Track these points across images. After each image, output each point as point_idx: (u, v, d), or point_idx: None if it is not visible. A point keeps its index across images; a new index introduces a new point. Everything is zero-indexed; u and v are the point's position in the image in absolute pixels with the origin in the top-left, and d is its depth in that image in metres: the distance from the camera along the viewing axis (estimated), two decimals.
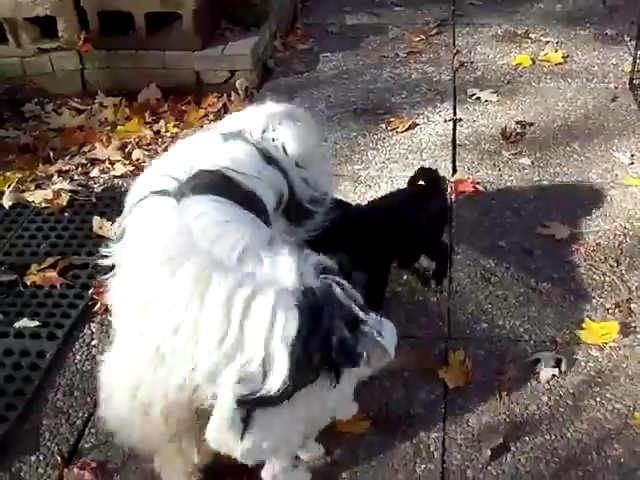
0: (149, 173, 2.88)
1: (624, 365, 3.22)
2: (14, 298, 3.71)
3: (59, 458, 2.92)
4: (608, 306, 3.50)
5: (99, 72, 5.64)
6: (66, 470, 2.87)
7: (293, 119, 3.11)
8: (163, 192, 2.58)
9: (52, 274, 3.82)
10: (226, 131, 3.00)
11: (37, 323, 3.54)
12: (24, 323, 3.54)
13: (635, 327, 3.40)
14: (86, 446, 2.98)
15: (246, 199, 2.65)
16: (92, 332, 3.51)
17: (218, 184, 2.62)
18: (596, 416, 3.01)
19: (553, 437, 2.92)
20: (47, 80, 5.65)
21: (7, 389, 3.22)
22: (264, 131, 3.02)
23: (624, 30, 6.01)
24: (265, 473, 2.57)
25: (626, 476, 2.77)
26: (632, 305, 3.51)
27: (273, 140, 3.02)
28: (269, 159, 2.92)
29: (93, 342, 3.46)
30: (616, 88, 5.37)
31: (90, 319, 3.58)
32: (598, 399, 3.08)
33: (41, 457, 2.95)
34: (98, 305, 3.63)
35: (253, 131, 3.01)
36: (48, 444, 2.99)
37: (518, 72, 5.65)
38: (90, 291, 3.72)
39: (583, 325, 3.40)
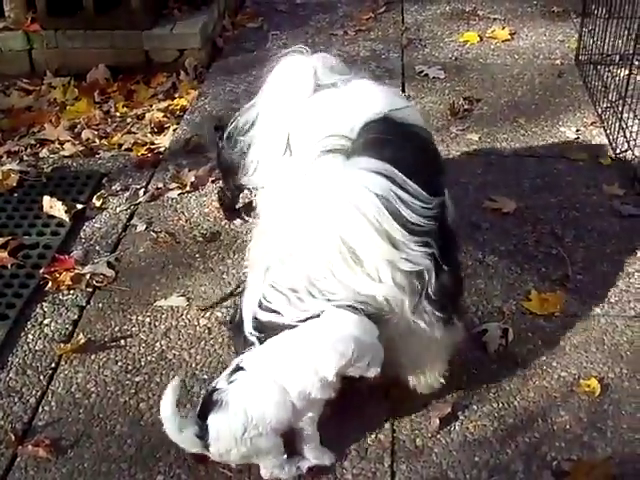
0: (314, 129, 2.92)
1: (569, 334, 3.30)
2: None
3: (13, 436, 2.91)
4: (554, 277, 3.58)
5: (47, 52, 5.59)
6: (20, 447, 2.87)
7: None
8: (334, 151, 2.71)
9: (3, 254, 3.80)
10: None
11: None
12: None
13: (580, 297, 3.47)
14: (40, 424, 2.98)
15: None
16: (44, 311, 3.50)
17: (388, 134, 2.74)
18: (542, 384, 3.07)
19: (500, 405, 2.98)
20: None
21: None
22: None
23: (570, 7, 6.09)
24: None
25: (571, 442, 2.84)
26: (577, 276, 3.59)
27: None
28: None
29: (45, 321, 3.45)
30: (562, 64, 5.46)
31: (42, 298, 3.57)
32: (544, 367, 3.14)
33: None
34: (50, 284, 3.62)
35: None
36: (1, 422, 2.99)
37: (466, 49, 5.72)
38: (41, 270, 3.70)
39: (529, 296, 3.47)
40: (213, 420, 2.55)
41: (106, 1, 5.41)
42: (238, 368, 2.63)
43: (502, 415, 2.95)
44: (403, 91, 5.12)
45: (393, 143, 2.72)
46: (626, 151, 4.35)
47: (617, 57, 5.04)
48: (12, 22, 5.52)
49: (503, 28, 5.94)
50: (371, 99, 2.92)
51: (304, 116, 3.03)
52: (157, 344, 3.31)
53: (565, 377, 3.10)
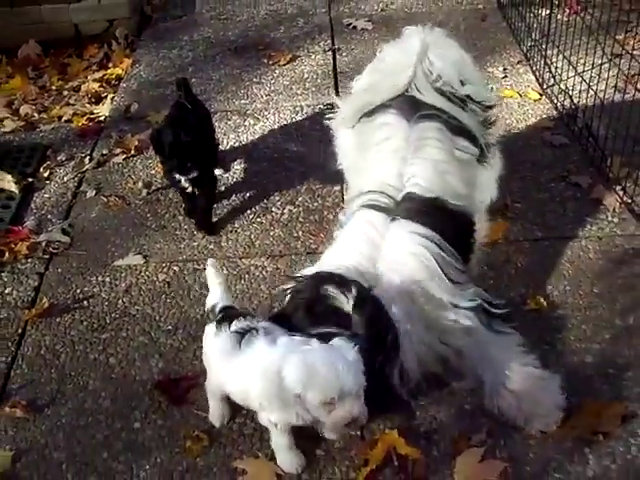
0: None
1: (514, 259, 3.47)
2: None
3: None
4: (494, 208, 3.71)
5: None
6: None
7: (437, 50, 3.30)
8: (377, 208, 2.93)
9: None
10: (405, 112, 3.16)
11: None
12: None
13: (521, 224, 3.65)
14: (13, 387, 3.07)
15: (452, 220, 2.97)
16: (4, 281, 3.57)
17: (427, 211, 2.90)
18: None
19: None
20: None
21: None
22: (427, 78, 3.21)
23: None
24: None
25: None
26: (516, 205, 3.76)
27: (436, 81, 3.22)
28: (455, 129, 3.14)
29: (7, 290, 3.52)
30: (485, 8, 5.62)
31: (1, 269, 3.64)
32: (493, 290, 3.27)
33: None
34: (7, 255, 3.69)
35: (420, 87, 3.20)
36: None
37: (391, 0, 5.83)
38: None
39: None
40: None
41: None
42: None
43: None
44: (333, 44, 5.24)
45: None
46: (553, 85, 4.53)
47: None
48: None
49: None
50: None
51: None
52: (119, 301, 3.41)
53: (514, 297, 3.28)
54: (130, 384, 3.02)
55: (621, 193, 3.76)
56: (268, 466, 2.67)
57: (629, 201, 3.71)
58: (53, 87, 5.22)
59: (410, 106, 3.16)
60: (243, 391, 2.57)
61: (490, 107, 3.47)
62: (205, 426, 2.82)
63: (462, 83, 3.31)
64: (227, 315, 2.66)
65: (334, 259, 2.88)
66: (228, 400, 2.77)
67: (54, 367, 3.13)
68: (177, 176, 3.63)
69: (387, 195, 2.93)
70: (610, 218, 3.67)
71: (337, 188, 3.95)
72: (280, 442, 2.63)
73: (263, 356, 2.47)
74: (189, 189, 3.68)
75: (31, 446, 2.83)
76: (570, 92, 4.34)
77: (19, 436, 2.86)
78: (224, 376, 2.63)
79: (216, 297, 2.75)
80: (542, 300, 3.24)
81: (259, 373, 2.44)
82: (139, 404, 2.94)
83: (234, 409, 2.82)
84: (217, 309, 2.71)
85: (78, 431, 2.87)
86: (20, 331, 3.31)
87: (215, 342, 2.65)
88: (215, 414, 2.83)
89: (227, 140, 4.39)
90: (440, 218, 2.91)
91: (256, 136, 4.40)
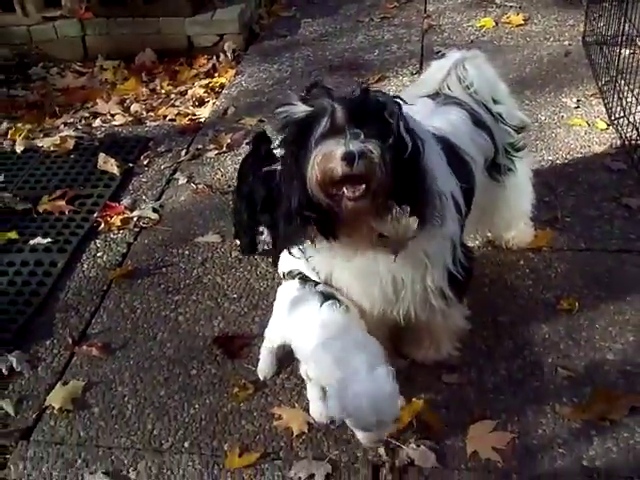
0: None
1: (555, 265, 3.74)
2: (28, 222, 4.23)
3: (70, 340, 3.44)
4: (544, 219, 4.01)
5: (99, 38, 6.19)
6: (77, 348, 3.40)
7: (473, 61, 3.45)
8: None
9: (61, 203, 4.35)
10: (437, 96, 3.31)
11: (49, 240, 4.06)
12: (37, 240, 4.06)
13: (567, 235, 3.91)
14: (93, 332, 3.51)
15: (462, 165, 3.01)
16: (97, 247, 4.04)
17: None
18: (527, 303, 3.53)
19: (489, 319, 3.43)
20: (51, 46, 6.22)
21: (24, 291, 3.76)
22: (460, 81, 3.36)
23: None
24: None
25: (549, 347, 3.28)
26: (566, 219, 4.03)
27: (469, 88, 3.33)
28: (477, 122, 3.23)
29: (98, 254, 3.98)
30: (570, 45, 5.91)
31: (95, 237, 4.12)
32: (530, 290, 3.59)
33: (55, 341, 3.47)
34: (102, 225, 4.16)
35: (451, 85, 3.35)
36: (60, 331, 3.52)
37: (482, 33, 6.21)
38: (95, 214, 4.24)
39: None
40: None
41: None
42: None
43: (489, 327, 3.39)
44: (421, 68, 5.61)
45: None
46: (621, 117, 4.77)
47: (619, 38, 5.43)
48: (68, 11, 6.11)
49: (518, 14, 6.42)
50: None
51: None
52: (194, 271, 3.82)
53: (549, 297, 3.55)
54: (193, 338, 3.42)
55: None
56: (301, 415, 3.01)
57: None
58: (162, 91, 5.74)
59: (440, 96, 3.30)
60: (302, 342, 2.87)
61: (521, 129, 3.58)
62: (252, 378, 3.19)
63: (495, 101, 3.44)
64: (307, 279, 2.99)
65: None
66: (277, 356, 3.15)
67: (129, 319, 3.56)
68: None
69: None
70: None
71: None
72: (314, 394, 2.96)
73: (334, 333, 2.76)
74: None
75: (101, 380, 3.26)
76: (637, 124, 4.57)
77: (91, 371, 3.30)
78: (291, 325, 2.94)
79: (292, 264, 3.06)
80: (575, 302, 3.49)
81: (321, 344, 2.74)
82: (198, 355, 3.34)
83: (279, 366, 3.19)
84: (295, 272, 3.03)
85: (142, 372, 3.28)
86: (105, 288, 3.75)
87: (295, 295, 2.96)
88: (263, 367, 3.20)
89: None
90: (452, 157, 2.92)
91: None
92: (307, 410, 3.00)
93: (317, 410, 2.97)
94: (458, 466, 2.81)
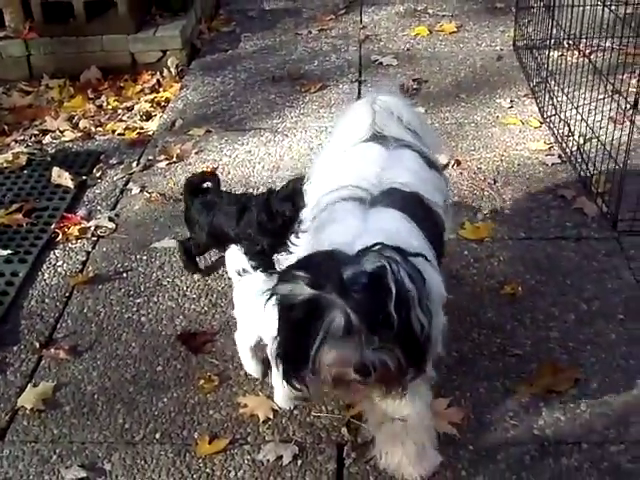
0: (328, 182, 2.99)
1: (497, 254, 3.96)
2: None
3: (37, 344, 3.54)
4: (485, 212, 4.24)
5: (44, 57, 6.24)
6: (44, 351, 3.50)
7: (392, 96, 3.36)
8: (357, 199, 2.74)
9: (18, 216, 4.43)
10: (381, 140, 3.08)
11: (9, 251, 4.15)
12: None
13: (507, 226, 4.14)
14: (59, 335, 3.62)
15: (430, 218, 2.87)
16: (57, 256, 4.14)
17: (410, 202, 2.78)
18: (473, 290, 3.73)
19: None
20: None
21: None
22: (391, 116, 3.18)
23: (511, 3, 6.74)
24: None
25: (496, 329, 3.49)
26: (505, 211, 4.26)
27: (401, 120, 3.18)
28: (430, 163, 3.12)
29: (58, 263, 4.08)
30: (502, 50, 6.20)
31: (54, 247, 4.21)
32: (475, 278, 3.80)
33: (22, 347, 3.56)
34: (60, 236, 4.27)
35: (385, 123, 3.14)
36: (27, 337, 3.61)
37: (416, 41, 6.46)
38: (52, 226, 4.34)
39: (464, 227, 4.12)
40: None
41: (95, 9, 6.09)
42: None
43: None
44: (360, 76, 5.83)
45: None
46: (553, 115, 5.04)
47: (548, 41, 5.70)
48: (12, 31, 6.18)
49: (450, 22, 6.69)
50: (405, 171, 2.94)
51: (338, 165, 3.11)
52: (154, 275, 3.95)
53: (492, 284, 3.76)
54: (157, 337, 3.56)
55: (601, 203, 4.22)
56: (266, 402, 3.17)
57: (607, 210, 4.16)
58: (109, 106, 5.84)
59: (386, 139, 3.08)
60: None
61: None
62: (217, 371, 3.34)
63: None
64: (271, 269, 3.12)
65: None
66: (257, 354, 3.25)
67: (94, 322, 3.67)
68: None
69: (364, 189, 2.77)
70: (589, 224, 4.13)
71: None
72: (278, 381, 3.09)
73: None
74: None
75: (70, 380, 3.37)
76: (568, 121, 4.83)
77: (60, 372, 3.40)
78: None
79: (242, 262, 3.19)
80: (518, 287, 3.70)
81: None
82: (163, 352, 3.47)
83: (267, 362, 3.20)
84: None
85: (110, 371, 3.40)
86: (67, 294, 3.86)
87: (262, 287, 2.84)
88: (251, 369, 3.31)
89: (258, 152, 4.97)
90: (420, 211, 2.81)
91: (283, 149, 4.97)
92: (271, 397, 3.16)
93: (281, 397, 3.14)
94: None
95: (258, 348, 3.19)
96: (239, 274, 3.22)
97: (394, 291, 2.21)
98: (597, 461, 2.87)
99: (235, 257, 3.23)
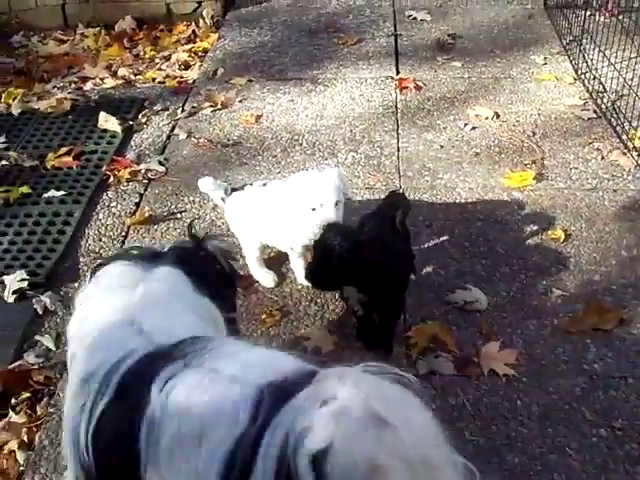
0: None
1: (539, 201, 4.10)
2: (38, 178, 4.43)
3: None
4: (526, 162, 4.38)
5: (79, 6, 6.34)
6: None
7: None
8: None
9: (68, 159, 4.55)
10: None
11: (63, 192, 4.27)
12: (52, 193, 4.26)
13: (547, 176, 4.28)
14: None
15: None
16: (110, 197, 4.26)
17: None
18: (518, 235, 3.87)
19: (484, 249, 3.77)
20: (31, 15, 6.34)
21: (46, 239, 3.96)
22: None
23: None
24: None
25: (542, 271, 3.64)
26: (545, 162, 4.39)
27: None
28: None
29: (112, 204, 4.20)
30: (533, 9, 6.29)
31: (107, 189, 4.33)
32: (520, 225, 3.94)
33: (82, 283, 3.67)
34: (112, 178, 4.39)
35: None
36: (86, 274, 3.70)
37: None
38: (103, 168, 4.46)
39: (506, 175, 4.26)
40: None
41: None
42: None
43: (487, 256, 3.74)
44: (395, 30, 5.93)
45: None
46: (586, 72, 5.15)
47: (578, 1, 5.82)
48: None
49: None
50: None
51: None
52: (207, 216, 4.07)
53: (536, 229, 3.90)
54: None
55: (636, 157, 4.36)
56: (329, 336, 3.32)
57: None
58: (146, 56, 5.93)
59: None
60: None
61: None
62: (277, 306, 3.48)
63: None
64: None
65: None
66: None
67: None
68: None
69: None
70: (625, 176, 4.27)
71: (394, 141, 4.61)
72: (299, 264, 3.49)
73: None
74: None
75: None
76: (601, 78, 4.95)
77: None
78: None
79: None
80: (561, 232, 3.85)
81: None
82: None
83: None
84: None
85: None
86: (124, 234, 3.98)
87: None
88: (263, 278, 3.61)
89: (301, 101, 5.09)
90: None
91: (325, 99, 5.09)
92: (333, 333, 3.31)
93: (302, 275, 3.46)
94: (474, 375, 3.13)
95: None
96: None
97: None
98: None
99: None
